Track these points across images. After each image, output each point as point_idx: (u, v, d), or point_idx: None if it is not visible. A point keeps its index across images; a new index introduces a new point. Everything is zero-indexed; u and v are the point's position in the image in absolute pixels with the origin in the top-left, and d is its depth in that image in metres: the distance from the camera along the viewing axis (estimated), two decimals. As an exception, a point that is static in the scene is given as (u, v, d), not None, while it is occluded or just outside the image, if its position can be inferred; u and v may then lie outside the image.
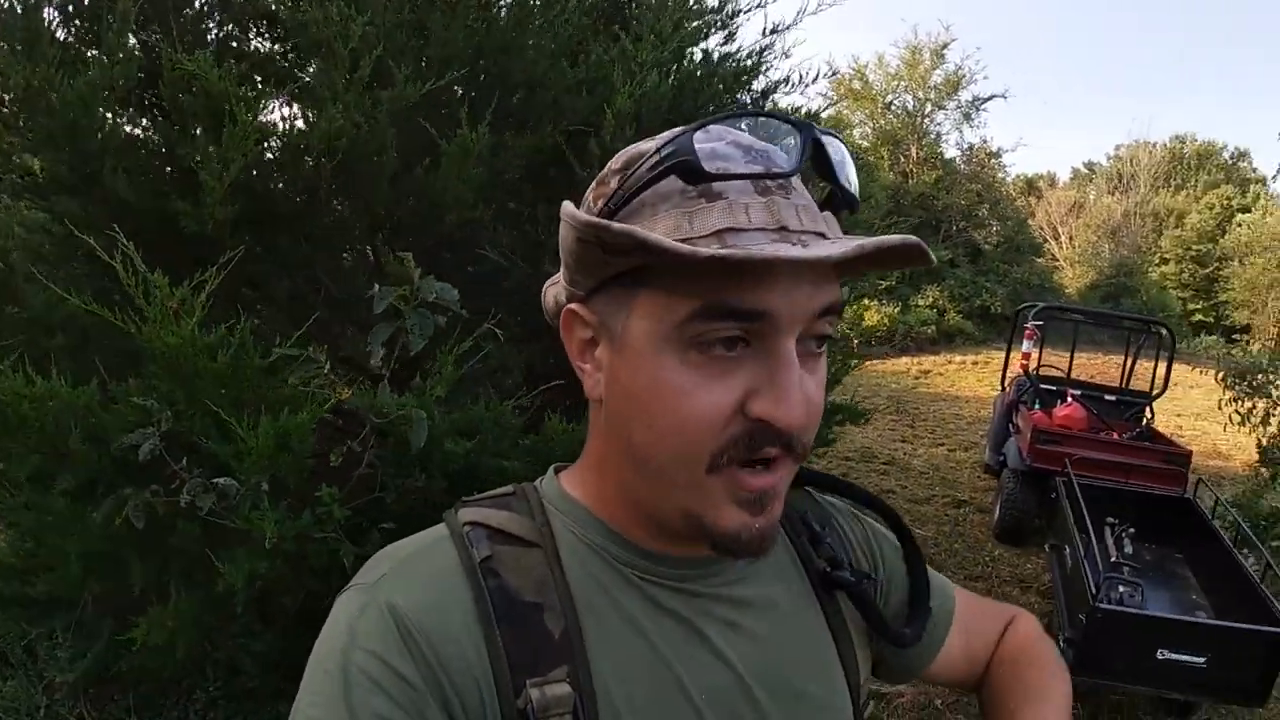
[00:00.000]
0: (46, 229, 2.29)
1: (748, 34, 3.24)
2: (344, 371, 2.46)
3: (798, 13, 2.86)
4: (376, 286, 1.60)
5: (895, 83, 18.35)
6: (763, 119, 0.56)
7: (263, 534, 1.67)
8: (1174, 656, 2.72)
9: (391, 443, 1.94)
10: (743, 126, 0.55)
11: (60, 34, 1.95)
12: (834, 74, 3.53)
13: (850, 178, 0.57)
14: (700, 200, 0.51)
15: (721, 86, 2.99)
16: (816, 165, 0.55)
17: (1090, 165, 26.44)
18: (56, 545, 1.85)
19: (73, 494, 1.82)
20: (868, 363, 12.74)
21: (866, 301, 14.29)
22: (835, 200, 0.57)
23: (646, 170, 0.51)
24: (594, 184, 0.57)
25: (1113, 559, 3.56)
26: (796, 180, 0.54)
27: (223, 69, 1.75)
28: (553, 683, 0.54)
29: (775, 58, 3.18)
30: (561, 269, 0.59)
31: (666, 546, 0.61)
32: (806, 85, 3.40)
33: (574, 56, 2.49)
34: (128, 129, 2.22)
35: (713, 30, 3.16)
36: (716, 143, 0.52)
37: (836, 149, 0.56)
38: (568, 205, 0.53)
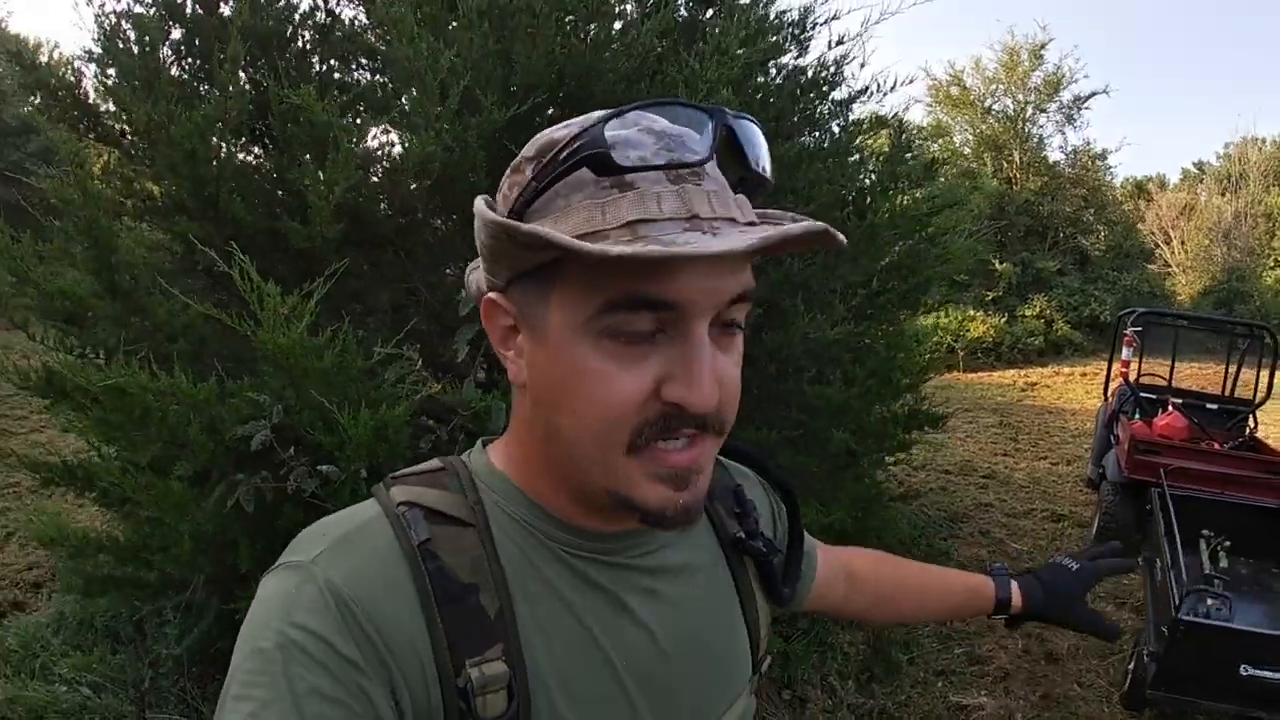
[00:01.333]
0: (167, 248, 2.55)
1: (820, 47, 3.31)
2: (441, 374, 2.65)
3: (863, 23, 2.91)
4: (463, 291, 1.75)
5: (993, 86, 17.78)
6: (675, 107, 0.55)
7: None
8: (1257, 673, 2.61)
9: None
10: (653, 114, 0.55)
11: (174, 71, 2.20)
12: (910, 80, 3.54)
13: (761, 160, 0.58)
14: (613, 191, 0.51)
15: (797, 98, 3.07)
16: (729, 150, 0.56)
17: (1200, 165, 24.62)
18: (171, 527, 2.06)
19: (189, 480, 2.02)
20: (972, 375, 12.38)
21: (972, 312, 13.90)
22: (748, 183, 0.58)
23: (559, 162, 0.52)
24: (509, 171, 0.57)
25: (1205, 571, 3.41)
26: (710, 165, 0.55)
27: (326, 101, 1.95)
28: (489, 661, 0.56)
29: (850, 65, 3.25)
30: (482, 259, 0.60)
31: (593, 522, 0.63)
32: (884, 94, 3.42)
33: (651, 77, 2.61)
34: (241, 157, 2.48)
35: (789, 45, 3.24)
36: (630, 130, 0.53)
37: (748, 132, 0.57)
38: (479, 203, 0.55)
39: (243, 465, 1.99)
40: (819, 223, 0.52)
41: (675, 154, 0.52)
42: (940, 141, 17.85)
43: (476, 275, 0.64)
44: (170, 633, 2.63)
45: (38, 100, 2.56)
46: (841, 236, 0.54)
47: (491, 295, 0.59)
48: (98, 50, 2.29)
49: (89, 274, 2.32)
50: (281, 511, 2.04)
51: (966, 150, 18.19)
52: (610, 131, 0.51)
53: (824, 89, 3.30)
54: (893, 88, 3.42)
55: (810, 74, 3.19)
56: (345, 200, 2.06)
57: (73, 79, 2.51)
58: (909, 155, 3.56)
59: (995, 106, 17.86)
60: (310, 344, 1.84)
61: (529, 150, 0.56)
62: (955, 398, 10.05)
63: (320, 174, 1.96)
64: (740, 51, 2.50)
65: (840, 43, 3.00)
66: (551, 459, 0.60)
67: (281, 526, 2.10)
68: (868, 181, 3.51)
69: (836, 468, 3.18)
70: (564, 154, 0.52)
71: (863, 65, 3.45)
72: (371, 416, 1.83)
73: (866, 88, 3.42)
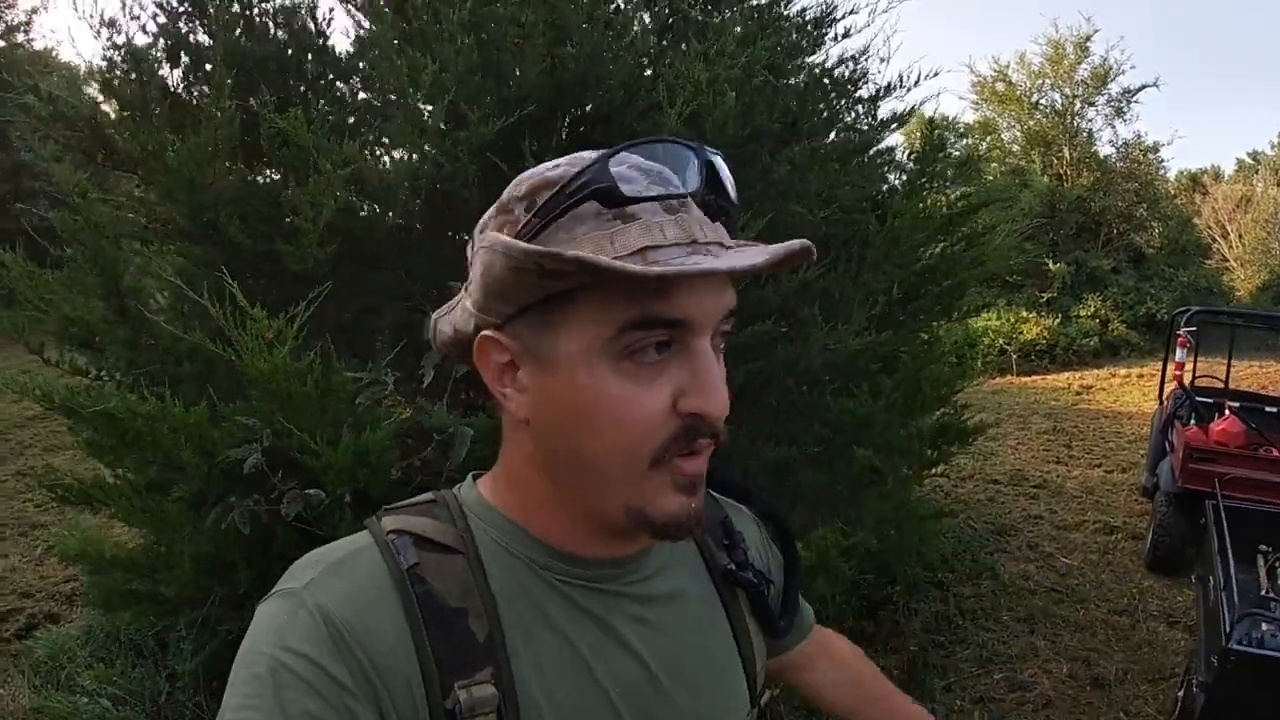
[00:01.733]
0: (181, 271, 2.58)
1: (832, 42, 3.20)
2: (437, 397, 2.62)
3: (869, 15, 2.82)
4: (431, 315, 1.71)
5: (1039, 80, 17.28)
6: (666, 145, 0.59)
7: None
8: (1316, 708, 2.38)
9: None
10: (641, 153, 0.58)
11: (186, 98, 2.22)
12: (935, 74, 3.40)
13: (732, 189, 0.62)
14: (616, 222, 0.55)
15: (815, 97, 2.97)
16: (709, 181, 0.60)
17: (1255, 155, 23.36)
18: (173, 547, 2.07)
19: (186, 501, 2.03)
20: (1025, 379, 12.04)
21: (1025, 314, 13.50)
22: (713, 208, 0.61)
23: (565, 196, 0.55)
24: (494, 212, 0.60)
25: (1262, 592, 3.17)
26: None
27: (314, 122, 1.94)
28: (478, 684, 0.57)
29: (871, 60, 3.15)
30: (471, 299, 0.61)
31: (589, 549, 0.64)
32: (907, 89, 3.29)
33: (650, 85, 2.54)
34: (253, 178, 2.48)
35: (805, 44, 3.15)
36: (622, 167, 0.56)
37: (723, 165, 0.62)
38: (500, 236, 0.56)
39: (236, 488, 1.99)
40: (805, 242, 0.57)
41: (666, 187, 0.57)
42: (989, 139, 17.38)
43: (451, 318, 0.64)
44: (185, 648, 2.67)
45: (66, 133, 2.61)
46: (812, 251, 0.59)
47: (487, 333, 0.60)
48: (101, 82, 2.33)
49: (98, 299, 2.35)
50: (277, 534, 2.02)
51: (1015, 147, 17.70)
52: (613, 167, 0.55)
53: (846, 86, 3.20)
54: (916, 82, 3.28)
55: (833, 71, 3.10)
56: (336, 220, 2.04)
57: (88, 110, 2.55)
58: (943, 153, 3.40)
59: (1042, 101, 17.37)
60: (293, 368, 1.82)
61: (517, 190, 0.59)
62: (1007, 403, 9.73)
63: (305, 195, 1.94)
64: (747, 51, 2.41)
65: (847, 35, 2.90)
66: (562, 488, 0.62)
67: (278, 549, 2.09)
68: (897, 183, 3.39)
69: (860, 486, 3.05)
70: (572, 188, 0.55)
71: (884, 61, 3.33)
72: (354, 441, 1.80)
73: (890, 84, 3.30)
